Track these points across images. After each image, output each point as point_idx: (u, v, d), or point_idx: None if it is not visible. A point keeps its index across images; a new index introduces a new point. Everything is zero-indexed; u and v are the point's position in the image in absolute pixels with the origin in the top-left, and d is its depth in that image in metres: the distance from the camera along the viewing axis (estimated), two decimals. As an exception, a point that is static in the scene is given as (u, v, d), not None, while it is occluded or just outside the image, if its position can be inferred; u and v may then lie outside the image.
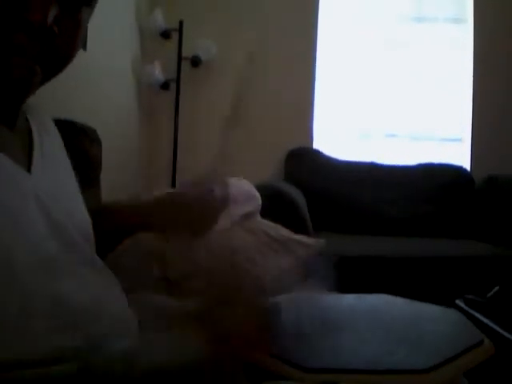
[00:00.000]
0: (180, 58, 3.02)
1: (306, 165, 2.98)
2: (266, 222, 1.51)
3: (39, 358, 0.48)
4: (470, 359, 0.72)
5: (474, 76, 3.13)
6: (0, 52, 0.51)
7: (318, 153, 3.06)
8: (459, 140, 3.20)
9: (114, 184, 2.00)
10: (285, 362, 0.69)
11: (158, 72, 2.95)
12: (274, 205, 1.98)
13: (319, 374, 0.66)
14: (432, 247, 2.40)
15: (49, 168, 0.61)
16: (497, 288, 1.56)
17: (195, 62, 3.05)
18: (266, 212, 1.57)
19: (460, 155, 3.16)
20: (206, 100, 3.15)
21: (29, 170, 0.57)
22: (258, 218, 1.53)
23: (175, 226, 0.69)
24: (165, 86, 3.04)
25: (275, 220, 1.54)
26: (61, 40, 0.55)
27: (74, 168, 0.73)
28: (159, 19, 2.95)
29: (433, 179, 2.94)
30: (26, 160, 0.58)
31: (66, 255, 0.57)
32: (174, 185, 2.97)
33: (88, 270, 0.60)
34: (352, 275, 2.16)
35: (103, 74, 2.46)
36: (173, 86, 3.04)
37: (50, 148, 0.65)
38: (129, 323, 0.60)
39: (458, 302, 1.56)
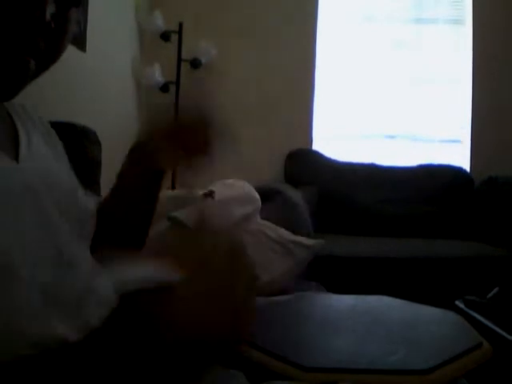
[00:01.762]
0: (180, 60, 3.02)
1: (306, 166, 2.98)
2: (265, 223, 1.51)
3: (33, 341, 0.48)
4: (469, 361, 0.72)
5: (473, 77, 3.14)
6: None
7: (318, 154, 3.06)
8: (459, 141, 3.21)
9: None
10: (285, 362, 0.69)
11: (157, 74, 2.95)
12: (274, 206, 1.98)
13: (319, 373, 0.67)
14: (432, 248, 2.40)
15: (38, 160, 0.61)
16: (496, 289, 1.56)
17: (195, 64, 3.05)
18: (266, 213, 1.57)
19: (460, 156, 3.17)
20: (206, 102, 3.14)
21: (16, 160, 0.57)
22: (258, 219, 1.53)
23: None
24: (164, 88, 3.04)
25: (275, 221, 1.54)
26: (54, 37, 0.56)
27: (74, 169, 0.73)
28: (159, 21, 2.95)
29: (433, 180, 2.94)
30: (13, 151, 0.58)
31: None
32: (173, 186, 2.97)
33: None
34: (352, 276, 2.16)
35: (103, 75, 2.46)
36: (172, 88, 3.04)
37: (40, 143, 0.65)
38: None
39: (457, 302, 1.56)
